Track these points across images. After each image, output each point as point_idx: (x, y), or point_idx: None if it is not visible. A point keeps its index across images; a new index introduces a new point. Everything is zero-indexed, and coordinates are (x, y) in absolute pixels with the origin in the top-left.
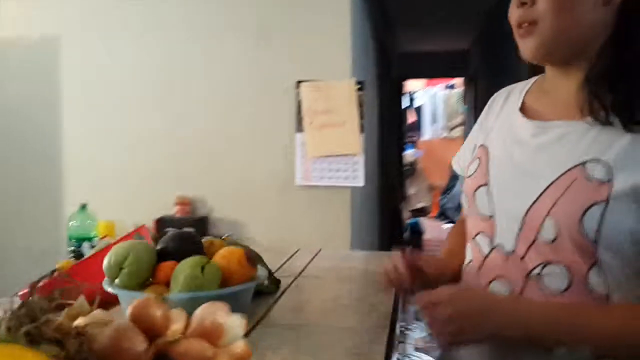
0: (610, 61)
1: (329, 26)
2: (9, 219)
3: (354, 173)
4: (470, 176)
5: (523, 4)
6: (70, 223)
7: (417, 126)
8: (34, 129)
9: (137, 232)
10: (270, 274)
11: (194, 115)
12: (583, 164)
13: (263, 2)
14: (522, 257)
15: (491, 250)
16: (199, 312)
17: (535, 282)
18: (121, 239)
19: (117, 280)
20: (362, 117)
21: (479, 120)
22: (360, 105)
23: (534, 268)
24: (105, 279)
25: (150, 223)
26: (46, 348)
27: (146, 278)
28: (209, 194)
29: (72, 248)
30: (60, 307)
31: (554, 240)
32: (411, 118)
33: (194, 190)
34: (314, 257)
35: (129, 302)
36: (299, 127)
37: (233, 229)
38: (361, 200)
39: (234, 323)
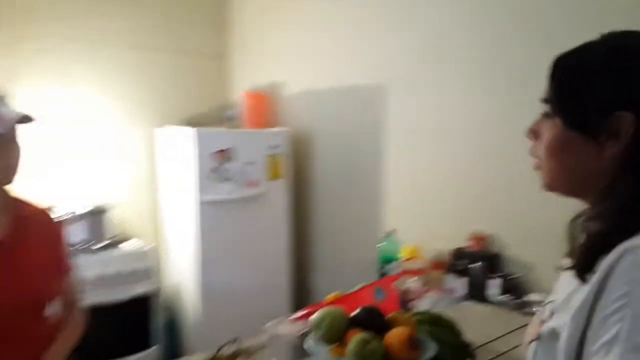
0: (592, 213)
1: None
2: (345, 233)
3: None
4: None
5: (530, 135)
6: (381, 245)
7: None
8: (364, 160)
9: (379, 285)
10: (466, 346)
11: (492, 159)
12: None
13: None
14: None
15: None
16: None
17: None
18: (362, 288)
19: (314, 336)
20: None
21: None
22: None
23: None
24: (310, 334)
25: (447, 252)
26: None
27: (338, 339)
28: (503, 231)
29: (380, 267)
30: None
31: None
32: None
33: (489, 226)
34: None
35: (320, 356)
36: None
37: (522, 269)
38: None
39: None
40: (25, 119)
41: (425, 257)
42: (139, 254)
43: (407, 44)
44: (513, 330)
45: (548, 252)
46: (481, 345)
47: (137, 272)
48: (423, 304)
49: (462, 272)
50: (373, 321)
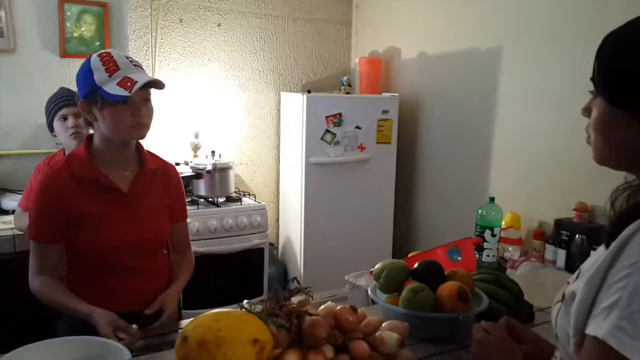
0: (636, 185)
1: None
2: (449, 199)
3: None
4: None
5: (585, 113)
6: (479, 211)
7: None
8: (472, 127)
9: (455, 245)
10: (524, 307)
11: None
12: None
13: None
14: None
15: None
16: (384, 325)
17: None
18: (439, 248)
19: (376, 284)
20: None
21: None
22: None
23: None
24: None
25: (550, 221)
26: (276, 320)
27: (396, 289)
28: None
29: (479, 232)
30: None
31: None
32: None
33: (594, 198)
34: None
35: (379, 303)
36: None
37: None
38: None
39: (391, 338)
40: (158, 84)
41: (527, 225)
42: (257, 209)
43: (521, 9)
44: None
45: None
46: (544, 309)
47: (253, 225)
48: (518, 271)
49: (563, 243)
50: (430, 274)
